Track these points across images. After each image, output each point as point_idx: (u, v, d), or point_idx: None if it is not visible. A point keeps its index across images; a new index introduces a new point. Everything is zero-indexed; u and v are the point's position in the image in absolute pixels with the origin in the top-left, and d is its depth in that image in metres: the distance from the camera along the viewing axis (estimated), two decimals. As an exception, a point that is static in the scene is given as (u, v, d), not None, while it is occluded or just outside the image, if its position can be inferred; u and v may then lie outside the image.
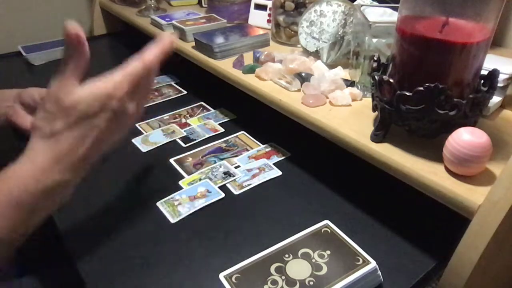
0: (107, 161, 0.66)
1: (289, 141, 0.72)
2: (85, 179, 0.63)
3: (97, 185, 0.63)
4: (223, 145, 0.72)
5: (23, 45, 1.09)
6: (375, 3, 0.69)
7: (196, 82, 0.93)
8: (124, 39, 1.23)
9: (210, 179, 0.63)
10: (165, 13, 1.03)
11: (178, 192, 0.61)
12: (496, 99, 0.58)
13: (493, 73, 0.48)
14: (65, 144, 0.43)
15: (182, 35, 0.88)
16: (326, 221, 0.53)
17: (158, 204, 0.58)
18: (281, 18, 0.83)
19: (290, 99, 0.64)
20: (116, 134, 0.47)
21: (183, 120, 0.80)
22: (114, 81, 0.45)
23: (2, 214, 0.40)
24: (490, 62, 0.49)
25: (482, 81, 0.49)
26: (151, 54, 0.48)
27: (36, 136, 0.43)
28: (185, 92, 0.91)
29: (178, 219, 0.56)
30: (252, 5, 0.95)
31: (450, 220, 0.46)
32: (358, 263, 0.46)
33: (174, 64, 0.98)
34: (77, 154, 0.43)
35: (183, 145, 0.73)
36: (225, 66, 0.76)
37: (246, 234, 0.54)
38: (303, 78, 0.67)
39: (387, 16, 0.63)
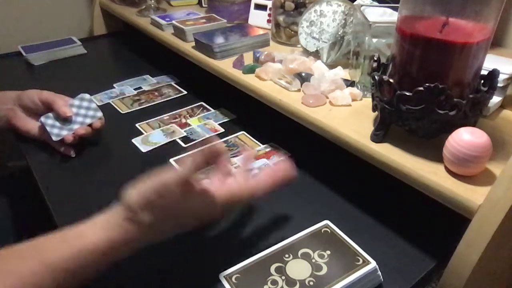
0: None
1: (289, 141, 0.72)
2: (85, 179, 0.63)
3: (97, 185, 0.63)
4: (223, 145, 0.72)
5: (23, 45, 1.09)
6: (375, 3, 0.69)
7: (196, 82, 0.93)
8: (124, 39, 1.23)
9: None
10: (165, 13, 1.03)
11: (178, 192, 0.61)
12: (496, 99, 0.58)
13: (493, 73, 0.48)
14: (148, 236, 0.43)
15: (182, 35, 0.88)
16: (326, 221, 0.53)
17: (158, 204, 0.58)
18: (281, 18, 0.83)
19: (290, 99, 0.64)
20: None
21: (183, 120, 0.80)
22: (218, 199, 0.45)
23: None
24: (490, 62, 0.49)
25: (482, 81, 0.49)
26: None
27: (129, 217, 0.42)
28: (185, 92, 0.91)
29: (178, 219, 0.56)
30: (252, 5, 0.95)
31: (450, 220, 0.46)
32: (358, 263, 0.46)
33: (174, 64, 0.99)
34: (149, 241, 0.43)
35: (183, 145, 0.73)
36: (225, 66, 0.76)
37: (246, 234, 0.54)
38: (303, 78, 0.67)
39: (387, 16, 0.63)
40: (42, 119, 0.68)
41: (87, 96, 0.72)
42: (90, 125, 0.70)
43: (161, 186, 0.42)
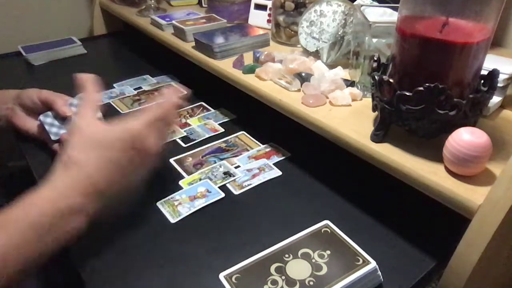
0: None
1: (289, 141, 0.72)
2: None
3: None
4: (223, 145, 0.72)
5: (23, 45, 1.09)
6: (375, 3, 0.69)
7: (196, 82, 0.93)
8: (124, 39, 1.23)
9: (210, 179, 0.63)
10: (165, 13, 1.03)
11: (178, 192, 0.61)
12: (496, 99, 0.58)
13: (493, 73, 0.48)
14: (82, 172, 0.46)
15: (182, 35, 0.88)
16: (326, 221, 0.53)
17: (158, 204, 0.58)
18: (281, 18, 0.83)
19: (290, 99, 0.64)
20: (133, 172, 0.51)
21: (183, 120, 0.80)
22: (135, 123, 0.51)
23: (18, 234, 0.42)
24: (490, 62, 0.49)
25: (482, 81, 0.49)
26: (169, 101, 0.54)
27: (59, 162, 0.47)
28: (185, 92, 0.91)
29: (178, 219, 0.56)
30: (252, 5, 0.95)
31: (450, 220, 0.46)
32: (358, 263, 0.46)
33: (174, 64, 0.99)
34: (94, 182, 0.47)
35: (183, 145, 0.73)
36: (225, 66, 0.76)
37: (246, 234, 0.54)
38: (303, 78, 0.67)
39: (387, 16, 0.63)
40: (41, 117, 0.68)
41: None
42: None
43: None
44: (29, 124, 0.71)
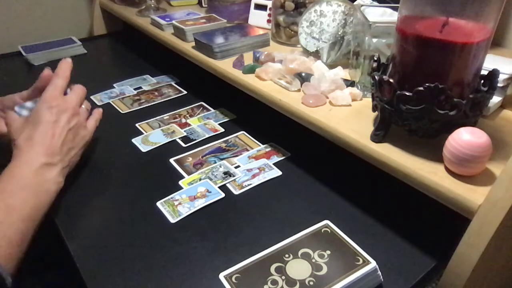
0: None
1: (289, 141, 0.72)
2: (85, 179, 0.63)
3: (97, 185, 0.63)
4: (223, 145, 0.72)
5: (23, 45, 1.09)
6: (375, 3, 0.69)
7: (196, 82, 0.93)
8: (124, 39, 1.23)
9: (210, 179, 0.63)
10: (165, 13, 1.03)
11: (178, 192, 0.61)
12: (496, 99, 0.58)
13: (493, 73, 0.48)
14: (29, 145, 0.56)
15: (182, 35, 0.88)
16: (326, 221, 0.53)
17: (158, 204, 0.58)
18: (281, 18, 0.83)
19: (290, 99, 0.64)
20: (78, 134, 0.62)
21: (183, 120, 0.80)
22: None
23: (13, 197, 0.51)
24: (490, 62, 0.49)
25: (482, 81, 0.49)
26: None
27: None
28: (185, 92, 0.91)
29: (178, 219, 0.56)
30: (252, 5, 0.95)
31: (450, 220, 0.46)
32: (358, 263, 0.46)
33: (174, 64, 0.99)
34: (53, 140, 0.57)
35: (183, 145, 0.73)
36: (225, 66, 0.76)
37: (246, 234, 0.54)
38: (303, 78, 0.67)
39: (387, 16, 0.63)
40: (16, 108, 0.64)
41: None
42: None
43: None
44: (2, 127, 0.66)
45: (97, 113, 0.69)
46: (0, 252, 0.46)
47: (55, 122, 0.59)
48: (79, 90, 0.66)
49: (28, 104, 0.65)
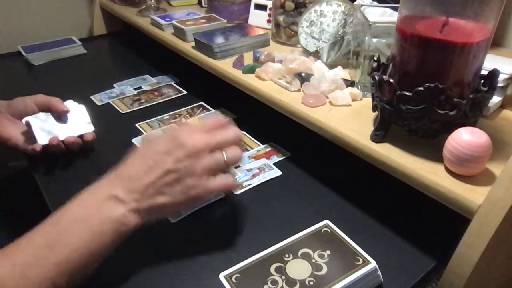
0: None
1: (289, 141, 0.72)
2: (85, 179, 0.63)
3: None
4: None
5: (23, 45, 1.09)
6: (375, 3, 0.69)
7: (196, 82, 0.93)
8: (124, 39, 1.23)
9: (210, 179, 0.63)
10: (165, 13, 1.03)
11: (178, 192, 0.61)
12: (496, 99, 0.58)
13: (493, 73, 0.48)
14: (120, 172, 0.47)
15: (182, 35, 0.88)
16: (326, 221, 0.53)
17: (158, 204, 0.58)
18: (281, 18, 0.83)
19: (290, 99, 0.64)
20: (183, 183, 0.46)
21: (183, 120, 0.80)
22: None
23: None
24: (490, 62, 0.49)
25: (482, 81, 0.49)
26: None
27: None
28: (185, 92, 0.91)
29: (178, 219, 0.56)
30: (252, 5, 0.95)
31: (450, 220, 0.46)
32: (358, 263, 0.46)
33: (174, 64, 0.99)
34: (131, 178, 0.46)
35: (183, 145, 0.72)
36: (225, 66, 0.76)
37: (246, 234, 0.54)
38: (303, 78, 0.67)
39: (387, 16, 0.63)
40: (30, 119, 0.64)
41: (82, 107, 0.70)
42: (81, 137, 0.68)
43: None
44: (11, 131, 0.67)
45: (230, 179, 0.50)
46: None
47: (159, 160, 0.46)
48: (226, 135, 0.49)
49: (42, 116, 0.65)
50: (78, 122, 0.68)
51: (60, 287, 0.41)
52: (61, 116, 0.67)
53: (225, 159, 0.47)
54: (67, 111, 0.67)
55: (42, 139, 0.64)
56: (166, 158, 0.45)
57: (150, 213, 0.46)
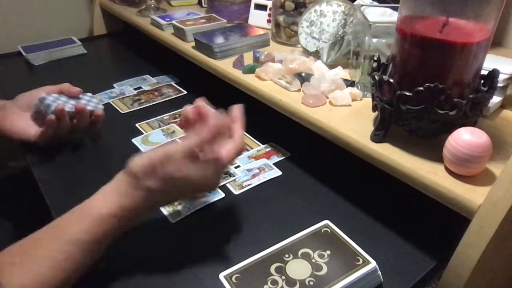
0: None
1: (289, 141, 0.72)
2: (85, 179, 0.63)
3: (97, 185, 0.63)
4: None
5: (23, 45, 1.09)
6: (375, 3, 0.69)
7: (196, 82, 0.93)
8: (124, 39, 1.23)
9: (210, 179, 0.63)
10: (165, 13, 1.03)
11: (178, 192, 0.61)
12: (496, 99, 0.58)
13: (493, 73, 0.48)
14: (152, 202, 0.47)
15: (182, 35, 0.88)
16: (326, 221, 0.53)
17: (158, 204, 0.58)
18: (281, 18, 0.83)
19: (290, 99, 0.64)
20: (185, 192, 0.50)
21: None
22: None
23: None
24: (490, 62, 0.49)
25: (482, 81, 0.49)
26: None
27: (134, 184, 0.46)
28: (185, 92, 0.91)
29: (178, 219, 0.56)
30: (252, 5, 0.95)
31: (450, 220, 0.46)
32: (358, 263, 0.46)
33: (174, 64, 0.99)
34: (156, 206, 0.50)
35: (183, 145, 0.73)
36: (225, 66, 0.76)
37: (246, 234, 0.54)
38: (303, 78, 0.67)
39: (387, 16, 0.63)
40: (44, 94, 0.67)
41: (89, 93, 0.74)
42: (91, 114, 0.71)
43: (165, 155, 0.45)
44: (21, 123, 0.68)
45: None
46: None
47: (181, 193, 0.49)
48: (232, 153, 0.49)
49: (55, 95, 0.68)
50: (88, 102, 0.72)
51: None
52: (73, 97, 0.71)
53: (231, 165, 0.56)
54: (80, 91, 0.70)
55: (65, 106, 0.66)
56: (183, 193, 0.50)
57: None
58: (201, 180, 0.47)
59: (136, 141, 0.73)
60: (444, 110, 0.46)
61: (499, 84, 0.55)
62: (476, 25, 0.44)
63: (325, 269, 0.46)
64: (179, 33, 0.89)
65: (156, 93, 0.91)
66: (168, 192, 0.47)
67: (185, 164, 0.45)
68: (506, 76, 0.56)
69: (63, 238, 0.43)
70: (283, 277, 0.45)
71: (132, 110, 0.84)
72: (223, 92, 0.82)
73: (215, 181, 0.50)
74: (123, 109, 0.84)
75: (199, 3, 1.14)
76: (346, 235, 0.50)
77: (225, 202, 0.59)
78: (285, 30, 0.84)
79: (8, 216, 0.81)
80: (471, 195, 0.43)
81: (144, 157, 0.45)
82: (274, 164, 0.67)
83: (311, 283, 0.44)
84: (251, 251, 0.48)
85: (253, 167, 0.66)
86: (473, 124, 0.49)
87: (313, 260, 0.47)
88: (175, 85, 0.95)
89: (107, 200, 0.45)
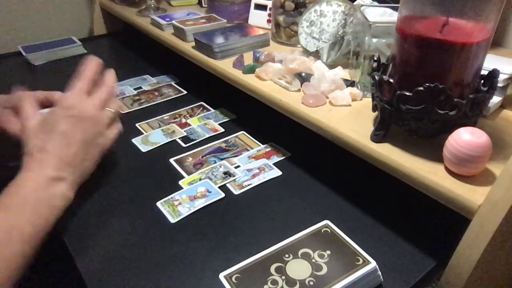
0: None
1: (289, 141, 0.72)
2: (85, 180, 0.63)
3: (97, 185, 0.63)
4: (223, 145, 0.72)
5: (23, 45, 1.09)
6: (375, 3, 0.69)
7: (196, 82, 0.93)
8: (124, 39, 1.23)
9: (210, 179, 0.63)
10: (165, 13, 1.03)
11: (178, 192, 0.61)
12: (496, 99, 0.58)
13: (493, 73, 0.48)
14: (46, 153, 0.52)
15: (182, 35, 0.88)
16: (326, 221, 0.53)
17: (158, 204, 0.58)
18: (281, 18, 0.83)
19: (290, 99, 0.64)
20: (95, 145, 0.58)
21: (183, 120, 0.80)
22: (65, 96, 0.59)
23: (16, 212, 0.47)
24: (490, 62, 0.49)
25: (482, 81, 0.49)
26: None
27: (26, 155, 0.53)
28: (185, 92, 0.91)
29: (178, 219, 0.56)
30: (252, 5, 0.95)
31: (450, 220, 0.46)
32: (358, 263, 0.46)
33: (174, 64, 0.99)
34: (59, 157, 0.53)
35: (183, 145, 0.73)
36: (225, 66, 0.76)
37: (246, 234, 0.54)
38: (303, 78, 0.67)
39: (387, 16, 0.63)
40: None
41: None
42: None
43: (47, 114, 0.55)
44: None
45: (117, 125, 0.63)
46: None
47: (72, 133, 0.54)
48: (104, 93, 0.60)
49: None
50: None
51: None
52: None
53: (112, 111, 0.60)
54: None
55: None
56: (75, 133, 0.55)
57: (81, 179, 0.56)
58: (87, 121, 0.56)
59: (136, 141, 0.73)
60: (444, 110, 0.46)
61: (499, 84, 0.55)
62: (476, 25, 0.44)
63: (325, 269, 0.46)
64: (179, 33, 0.89)
65: (156, 93, 0.91)
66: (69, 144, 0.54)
67: (64, 114, 0.55)
68: (506, 76, 0.56)
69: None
70: (283, 277, 0.45)
71: (132, 110, 0.84)
72: (223, 92, 0.83)
73: (99, 116, 0.58)
74: (123, 109, 0.84)
75: (199, 3, 1.14)
76: (346, 235, 0.50)
77: (225, 202, 0.59)
78: (285, 30, 0.84)
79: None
80: (471, 195, 0.43)
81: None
82: (274, 164, 0.67)
83: (311, 283, 0.44)
84: (251, 251, 0.48)
85: (253, 167, 0.66)
86: (473, 124, 0.49)
87: (313, 260, 0.47)
88: (175, 85, 0.95)
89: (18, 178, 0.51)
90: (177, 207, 0.58)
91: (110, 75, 0.63)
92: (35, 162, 0.52)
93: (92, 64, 0.61)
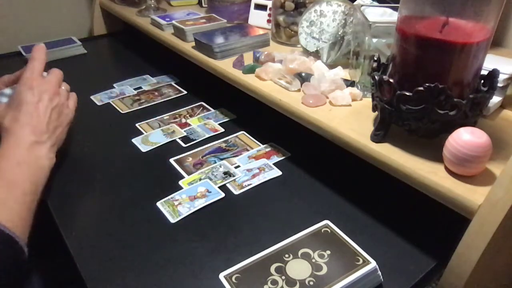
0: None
1: (289, 141, 0.72)
2: (85, 178, 0.63)
3: (97, 185, 0.63)
4: (223, 145, 0.72)
5: (23, 45, 1.09)
6: (375, 3, 0.69)
7: (196, 82, 0.93)
8: (124, 39, 1.23)
9: (210, 179, 0.63)
10: (165, 13, 1.03)
11: (178, 192, 0.61)
12: (496, 99, 0.58)
13: (493, 73, 0.48)
14: (18, 126, 0.57)
15: (182, 35, 0.88)
16: (326, 221, 0.53)
17: (158, 204, 0.58)
18: (281, 18, 0.83)
19: (290, 99, 0.64)
20: (62, 113, 0.64)
21: (183, 120, 0.80)
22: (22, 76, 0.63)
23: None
24: (490, 62, 0.49)
25: (482, 81, 0.49)
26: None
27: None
28: (185, 92, 0.92)
29: (178, 219, 0.56)
30: (252, 5, 0.95)
31: (450, 220, 0.46)
32: (358, 263, 0.46)
33: (174, 64, 0.99)
34: (32, 125, 0.58)
35: (183, 145, 0.73)
36: (225, 66, 0.76)
37: (246, 234, 0.54)
38: (303, 78, 0.67)
39: (387, 16, 0.63)
40: None
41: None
42: None
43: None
44: None
45: (73, 95, 0.70)
46: (14, 224, 0.48)
47: (38, 101, 0.60)
48: (56, 72, 0.67)
49: (7, 91, 0.65)
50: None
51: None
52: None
53: (67, 88, 0.68)
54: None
55: None
56: (44, 103, 0.61)
57: (57, 145, 0.62)
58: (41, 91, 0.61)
59: (136, 141, 0.73)
60: (444, 110, 0.46)
61: (499, 84, 0.55)
62: (476, 25, 0.44)
63: (325, 269, 0.46)
64: (179, 33, 0.89)
65: (156, 93, 0.91)
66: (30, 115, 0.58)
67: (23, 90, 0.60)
68: (506, 76, 0.56)
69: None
70: (283, 277, 0.45)
71: (132, 110, 0.84)
72: (223, 92, 0.83)
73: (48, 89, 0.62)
74: (123, 109, 0.84)
75: (199, 3, 1.14)
76: (346, 235, 0.50)
77: (225, 202, 0.59)
78: (285, 30, 0.84)
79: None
80: (471, 195, 0.43)
81: None
82: (274, 164, 0.67)
83: (311, 283, 0.44)
84: (251, 251, 0.48)
85: (253, 167, 0.66)
86: (473, 124, 0.49)
87: (313, 260, 0.47)
88: (175, 85, 0.95)
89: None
90: (177, 207, 0.58)
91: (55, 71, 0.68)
92: (14, 133, 0.56)
93: (41, 48, 0.66)
